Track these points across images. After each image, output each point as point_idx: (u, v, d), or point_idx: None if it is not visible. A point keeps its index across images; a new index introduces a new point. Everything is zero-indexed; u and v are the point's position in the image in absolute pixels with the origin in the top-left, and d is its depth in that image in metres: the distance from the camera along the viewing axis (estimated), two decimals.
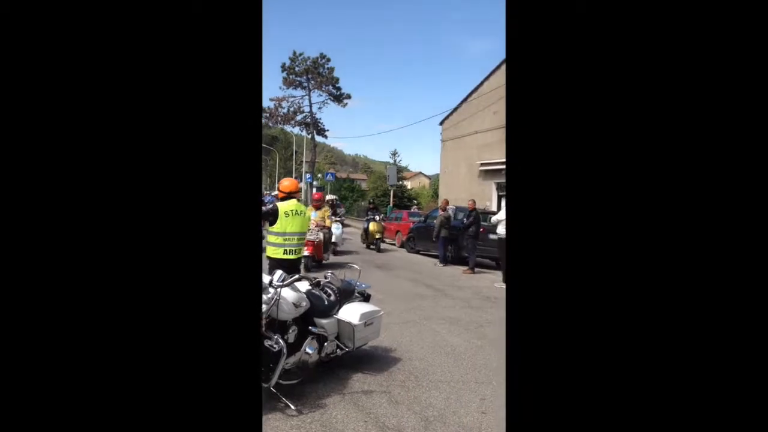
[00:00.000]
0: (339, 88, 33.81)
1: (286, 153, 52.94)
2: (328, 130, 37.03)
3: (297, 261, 5.02)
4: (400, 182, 27.68)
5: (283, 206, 4.90)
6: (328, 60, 33.42)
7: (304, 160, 38.87)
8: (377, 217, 15.13)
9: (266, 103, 32.82)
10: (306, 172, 34.04)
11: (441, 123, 22.13)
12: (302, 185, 33.15)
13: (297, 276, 3.58)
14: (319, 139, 36.50)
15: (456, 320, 6.38)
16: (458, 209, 12.60)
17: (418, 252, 14.14)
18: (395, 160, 27.84)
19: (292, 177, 31.41)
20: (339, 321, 4.10)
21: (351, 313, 4.12)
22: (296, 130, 37.10)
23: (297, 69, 33.22)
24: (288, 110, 33.42)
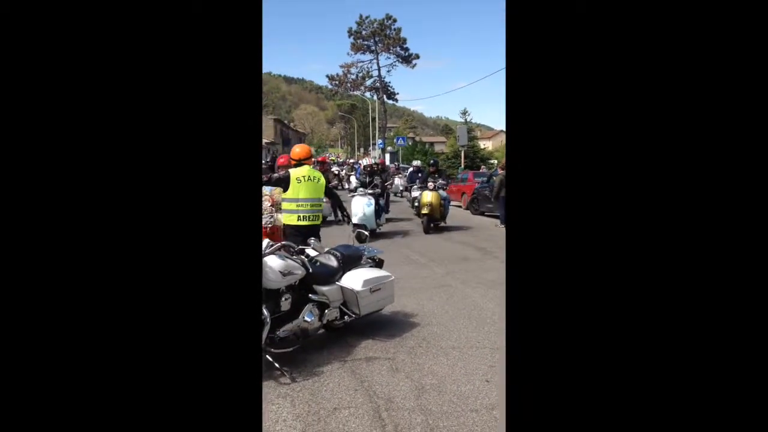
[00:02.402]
0: (407, 49, 33.11)
1: (365, 120, 53.27)
2: (398, 94, 36.63)
3: (314, 227, 4.98)
4: (472, 142, 26.79)
5: (294, 172, 4.86)
6: (395, 21, 32.73)
7: (385, 125, 38.83)
8: (434, 184, 10.69)
9: (336, 70, 32.95)
10: (378, 138, 34.03)
11: None
12: (375, 151, 33.24)
13: (279, 245, 3.53)
14: (399, 103, 36.16)
15: (495, 283, 6.10)
16: None
17: (482, 214, 13.72)
18: (466, 119, 26.88)
19: (369, 143, 31.66)
20: (342, 288, 4.03)
21: (354, 279, 4.03)
22: (367, 95, 37.01)
23: (364, 33, 32.86)
24: (357, 76, 33.34)
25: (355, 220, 9.15)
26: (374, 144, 34.93)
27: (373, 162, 12.54)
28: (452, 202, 16.47)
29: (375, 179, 10.59)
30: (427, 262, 7.52)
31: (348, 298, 4.05)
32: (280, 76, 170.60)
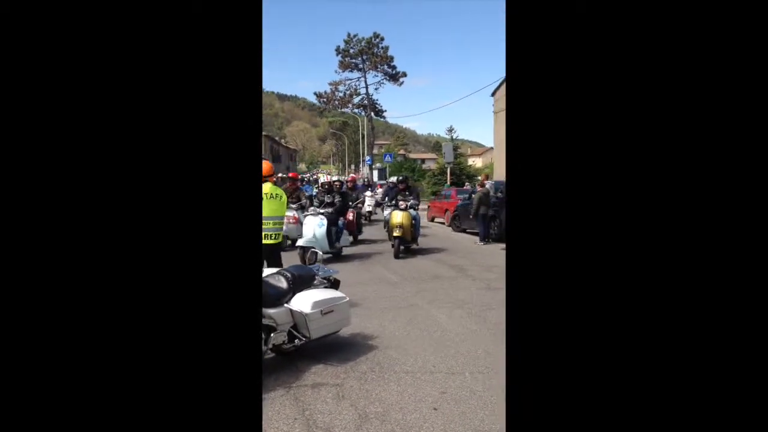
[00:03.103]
0: (394, 67, 33.28)
1: (356, 137, 53.36)
2: (386, 111, 36.80)
3: (276, 245, 4.84)
4: (458, 159, 26.81)
5: None
6: (382, 39, 32.96)
7: (372, 142, 38.83)
8: (406, 204, 9.68)
9: (324, 87, 33.03)
10: (366, 155, 34.01)
11: (492, 94, 21.11)
12: (364, 168, 33.21)
13: None
14: (390, 120, 36.24)
15: (463, 303, 5.97)
16: (498, 184, 11.93)
17: (464, 231, 13.64)
18: (452, 137, 26.93)
19: (359, 160, 31.64)
20: (291, 310, 3.87)
21: (304, 301, 3.87)
22: (356, 111, 37.09)
23: (351, 51, 33.02)
24: (344, 94, 33.41)
25: (301, 242, 8.41)
26: (364, 161, 34.96)
27: (336, 179, 10.99)
28: (436, 219, 16.42)
29: (335, 198, 9.35)
30: (401, 281, 7.38)
31: (298, 320, 3.90)
32: (273, 93, 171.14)
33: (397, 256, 9.32)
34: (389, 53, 32.82)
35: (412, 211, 9.64)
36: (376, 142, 56.77)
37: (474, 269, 8.26)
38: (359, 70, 33.90)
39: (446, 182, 23.77)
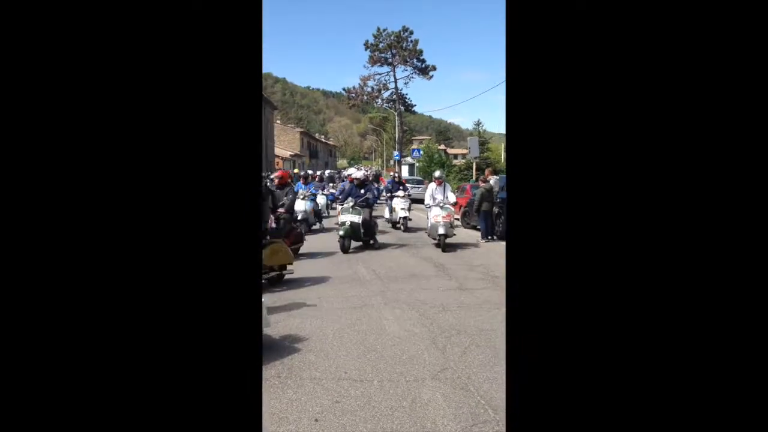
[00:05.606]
0: (423, 60, 32.88)
1: (394, 133, 53.21)
2: (415, 105, 36.38)
3: None
4: (485, 153, 26.18)
5: None
6: (411, 33, 32.59)
7: (401, 137, 38.64)
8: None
9: (355, 83, 33.08)
10: (395, 150, 33.83)
11: None
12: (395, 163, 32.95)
13: None
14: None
15: (422, 304, 5.73)
16: (502, 179, 11.47)
17: (475, 228, 13.23)
18: (479, 131, 26.36)
19: (395, 155, 31.60)
20: None
21: None
22: (385, 106, 36.91)
23: (381, 46, 32.83)
24: (372, 88, 33.30)
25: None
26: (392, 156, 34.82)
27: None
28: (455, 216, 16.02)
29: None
30: (372, 279, 7.19)
31: None
32: (318, 90, 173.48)
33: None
34: (419, 47, 32.44)
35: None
36: (415, 137, 56.42)
37: (456, 268, 7.96)
38: (389, 64, 33.69)
39: (472, 177, 23.28)
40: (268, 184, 9.40)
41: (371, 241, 9.95)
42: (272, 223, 7.92)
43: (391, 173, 14.52)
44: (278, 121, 48.19)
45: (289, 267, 6.78)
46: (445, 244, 9.53)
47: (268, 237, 6.86)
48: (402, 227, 12.78)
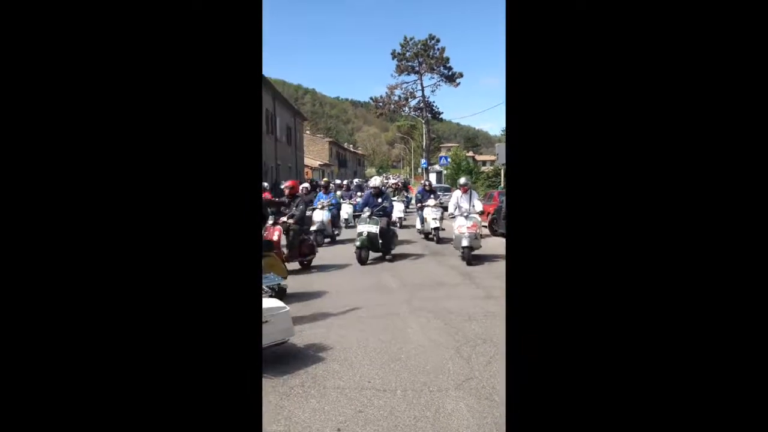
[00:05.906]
0: (450, 68, 32.86)
1: (422, 141, 53.27)
2: (442, 113, 36.37)
3: None
4: None
5: None
6: (438, 41, 32.67)
7: (428, 145, 38.65)
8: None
9: (383, 92, 33.24)
10: (423, 158, 33.82)
11: None
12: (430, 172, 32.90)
13: None
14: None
15: (448, 313, 5.68)
16: None
17: (503, 235, 13.06)
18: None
19: (423, 162, 31.59)
20: None
21: None
22: (413, 114, 36.97)
23: (408, 54, 32.97)
24: (399, 97, 33.41)
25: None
26: (420, 164, 34.81)
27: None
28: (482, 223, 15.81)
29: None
30: (399, 288, 7.17)
31: None
32: (347, 99, 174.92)
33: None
34: (445, 55, 32.46)
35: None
36: (443, 145, 56.27)
37: (483, 276, 7.87)
38: (416, 72, 33.78)
39: (500, 184, 23.04)
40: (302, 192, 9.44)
41: (386, 256, 9.41)
42: (271, 236, 7.34)
43: (421, 181, 14.37)
44: (308, 132, 48.77)
45: (282, 282, 6.61)
46: (470, 257, 8.82)
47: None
48: (435, 238, 11.92)
